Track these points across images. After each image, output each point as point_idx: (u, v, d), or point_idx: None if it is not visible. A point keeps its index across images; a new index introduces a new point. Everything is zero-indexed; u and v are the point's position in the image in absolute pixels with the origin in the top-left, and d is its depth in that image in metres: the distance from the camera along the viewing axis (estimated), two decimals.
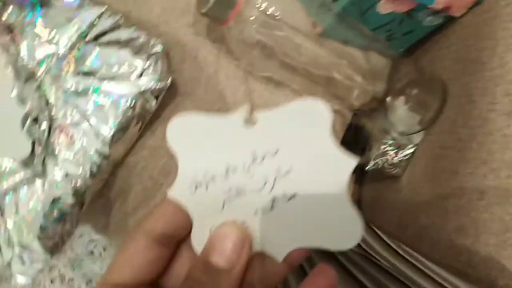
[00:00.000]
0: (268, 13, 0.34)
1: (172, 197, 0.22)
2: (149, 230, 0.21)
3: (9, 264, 0.31)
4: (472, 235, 0.34)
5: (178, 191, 0.22)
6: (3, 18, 0.31)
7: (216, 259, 0.20)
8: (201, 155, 0.22)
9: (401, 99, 0.41)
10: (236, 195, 0.22)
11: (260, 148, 0.22)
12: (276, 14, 0.34)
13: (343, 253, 0.54)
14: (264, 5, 0.33)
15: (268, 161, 0.22)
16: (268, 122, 0.22)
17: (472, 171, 0.35)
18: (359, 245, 0.52)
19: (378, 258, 0.45)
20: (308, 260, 0.59)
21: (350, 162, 0.21)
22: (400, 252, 0.42)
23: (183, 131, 0.22)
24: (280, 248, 0.22)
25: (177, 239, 0.22)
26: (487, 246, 0.34)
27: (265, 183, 0.22)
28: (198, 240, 0.22)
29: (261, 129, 0.22)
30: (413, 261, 0.40)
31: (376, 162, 0.44)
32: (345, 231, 0.21)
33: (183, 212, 0.22)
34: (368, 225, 0.50)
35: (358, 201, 0.53)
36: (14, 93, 0.30)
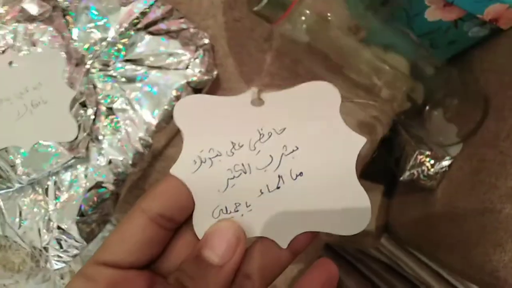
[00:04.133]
0: (320, 14, 0.34)
1: (174, 174, 0.21)
2: (146, 208, 0.20)
3: (46, 248, 0.31)
4: (511, 251, 0.34)
5: (181, 168, 0.21)
6: (59, 2, 0.31)
7: (209, 254, 0.19)
8: (207, 133, 0.22)
9: (440, 109, 0.41)
10: (241, 172, 0.21)
11: (266, 126, 0.22)
12: (328, 15, 0.34)
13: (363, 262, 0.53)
14: (317, 5, 0.33)
15: (274, 138, 0.21)
16: (276, 102, 0.22)
17: None
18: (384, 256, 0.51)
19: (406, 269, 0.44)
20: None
21: (359, 140, 0.21)
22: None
23: (191, 110, 0.22)
24: (284, 233, 0.21)
25: (176, 221, 0.21)
26: None
27: (271, 161, 0.21)
28: (199, 223, 0.21)
29: (268, 108, 0.22)
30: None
31: (412, 173, 0.44)
32: (353, 214, 0.21)
33: (185, 192, 0.21)
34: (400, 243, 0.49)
35: (386, 213, 0.52)
36: (66, 76, 0.30)
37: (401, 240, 0.50)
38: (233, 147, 0.21)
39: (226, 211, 0.21)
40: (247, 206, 0.21)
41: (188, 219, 0.22)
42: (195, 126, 0.22)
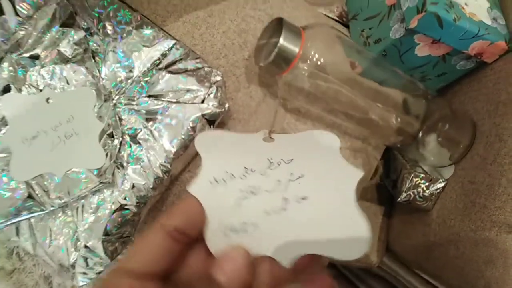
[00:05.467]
0: (318, 64, 0.37)
1: (190, 191, 0.23)
2: (163, 223, 0.22)
3: (73, 266, 0.34)
4: (501, 267, 0.36)
5: (197, 187, 0.23)
6: (90, 45, 0.35)
7: (218, 275, 0.21)
8: (223, 159, 0.24)
9: (433, 134, 0.43)
10: (251, 193, 0.24)
11: (276, 156, 0.24)
12: (325, 65, 0.37)
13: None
14: (316, 56, 0.37)
15: (283, 166, 0.24)
16: (285, 141, 0.25)
17: (500, 205, 0.37)
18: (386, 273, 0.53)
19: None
20: None
21: (357, 172, 0.23)
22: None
23: (210, 141, 0.25)
24: (288, 253, 0.22)
25: (189, 235, 0.23)
26: None
27: (279, 185, 0.24)
28: (211, 238, 0.23)
29: (278, 144, 0.25)
30: None
31: (408, 194, 0.46)
32: (353, 240, 0.22)
33: (199, 209, 0.23)
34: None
35: (386, 233, 0.54)
36: (95, 110, 0.34)
37: (401, 257, 0.51)
38: (246, 171, 0.24)
39: (235, 229, 0.23)
40: (254, 226, 0.23)
41: (202, 238, 0.24)
42: (213, 152, 0.24)
